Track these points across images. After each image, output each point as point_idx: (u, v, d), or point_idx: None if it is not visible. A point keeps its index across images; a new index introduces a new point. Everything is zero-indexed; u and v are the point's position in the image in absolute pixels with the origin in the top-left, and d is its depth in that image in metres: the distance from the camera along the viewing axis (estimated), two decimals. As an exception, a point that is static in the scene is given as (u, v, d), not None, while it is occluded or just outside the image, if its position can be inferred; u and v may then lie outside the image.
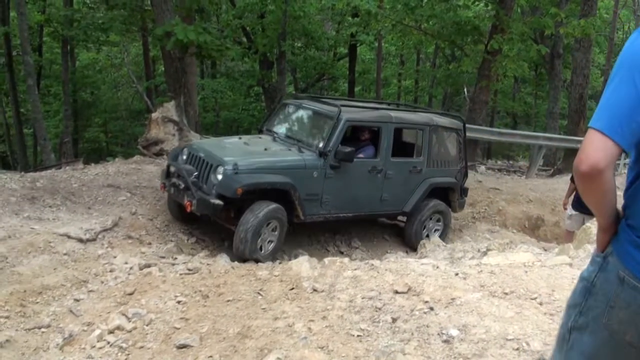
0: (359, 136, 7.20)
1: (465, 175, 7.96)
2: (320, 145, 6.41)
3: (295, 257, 6.04)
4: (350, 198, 6.71)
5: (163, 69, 16.32)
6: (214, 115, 22.78)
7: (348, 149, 6.28)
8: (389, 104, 9.08)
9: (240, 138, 7.01)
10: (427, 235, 7.49)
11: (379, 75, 17.89)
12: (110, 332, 3.94)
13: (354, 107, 7.03)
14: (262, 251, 6.06)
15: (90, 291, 4.77)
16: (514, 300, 4.00)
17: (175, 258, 5.62)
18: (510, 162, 16.45)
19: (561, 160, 14.65)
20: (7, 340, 3.95)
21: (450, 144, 7.66)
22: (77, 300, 4.61)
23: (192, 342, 3.65)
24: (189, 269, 5.14)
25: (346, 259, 5.30)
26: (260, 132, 7.40)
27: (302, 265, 4.91)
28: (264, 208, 5.93)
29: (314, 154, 6.36)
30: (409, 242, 7.55)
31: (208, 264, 5.42)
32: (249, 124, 21.17)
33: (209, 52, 9.76)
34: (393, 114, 7.07)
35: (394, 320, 3.70)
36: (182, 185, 6.09)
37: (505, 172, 12.84)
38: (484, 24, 13.88)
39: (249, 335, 3.63)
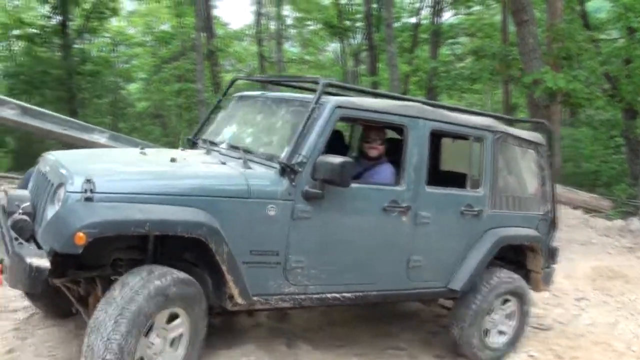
0: (364, 148, 4.20)
1: (554, 224, 4.71)
2: (283, 154, 3.34)
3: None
4: (347, 261, 3.58)
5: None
6: (573, 166, 21.77)
7: (339, 160, 3.22)
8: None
9: (142, 148, 4.04)
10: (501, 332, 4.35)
11: None
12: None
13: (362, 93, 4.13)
14: None
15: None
16: None
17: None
18: None
19: None
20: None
21: (527, 169, 4.52)
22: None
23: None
24: (541, 324, 5.06)
25: None
26: (194, 144, 4.38)
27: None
28: (147, 282, 2.84)
29: (272, 170, 3.34)
30: (460, 350, 4.24)
31: (560, 322, 5.28)
32: (609, 177, 19.58)
33: (577, 100, 9.46)
34: (429, 107, 4.00)
35: None
36: None
37: None
38: None
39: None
